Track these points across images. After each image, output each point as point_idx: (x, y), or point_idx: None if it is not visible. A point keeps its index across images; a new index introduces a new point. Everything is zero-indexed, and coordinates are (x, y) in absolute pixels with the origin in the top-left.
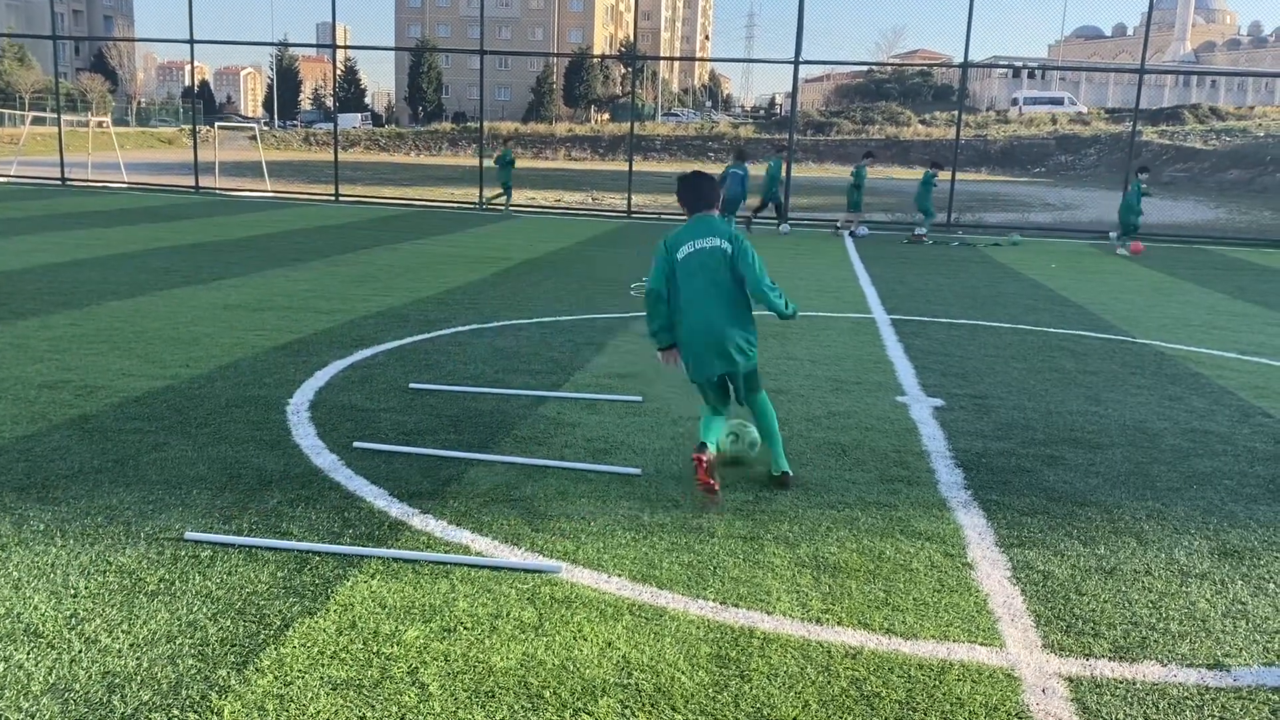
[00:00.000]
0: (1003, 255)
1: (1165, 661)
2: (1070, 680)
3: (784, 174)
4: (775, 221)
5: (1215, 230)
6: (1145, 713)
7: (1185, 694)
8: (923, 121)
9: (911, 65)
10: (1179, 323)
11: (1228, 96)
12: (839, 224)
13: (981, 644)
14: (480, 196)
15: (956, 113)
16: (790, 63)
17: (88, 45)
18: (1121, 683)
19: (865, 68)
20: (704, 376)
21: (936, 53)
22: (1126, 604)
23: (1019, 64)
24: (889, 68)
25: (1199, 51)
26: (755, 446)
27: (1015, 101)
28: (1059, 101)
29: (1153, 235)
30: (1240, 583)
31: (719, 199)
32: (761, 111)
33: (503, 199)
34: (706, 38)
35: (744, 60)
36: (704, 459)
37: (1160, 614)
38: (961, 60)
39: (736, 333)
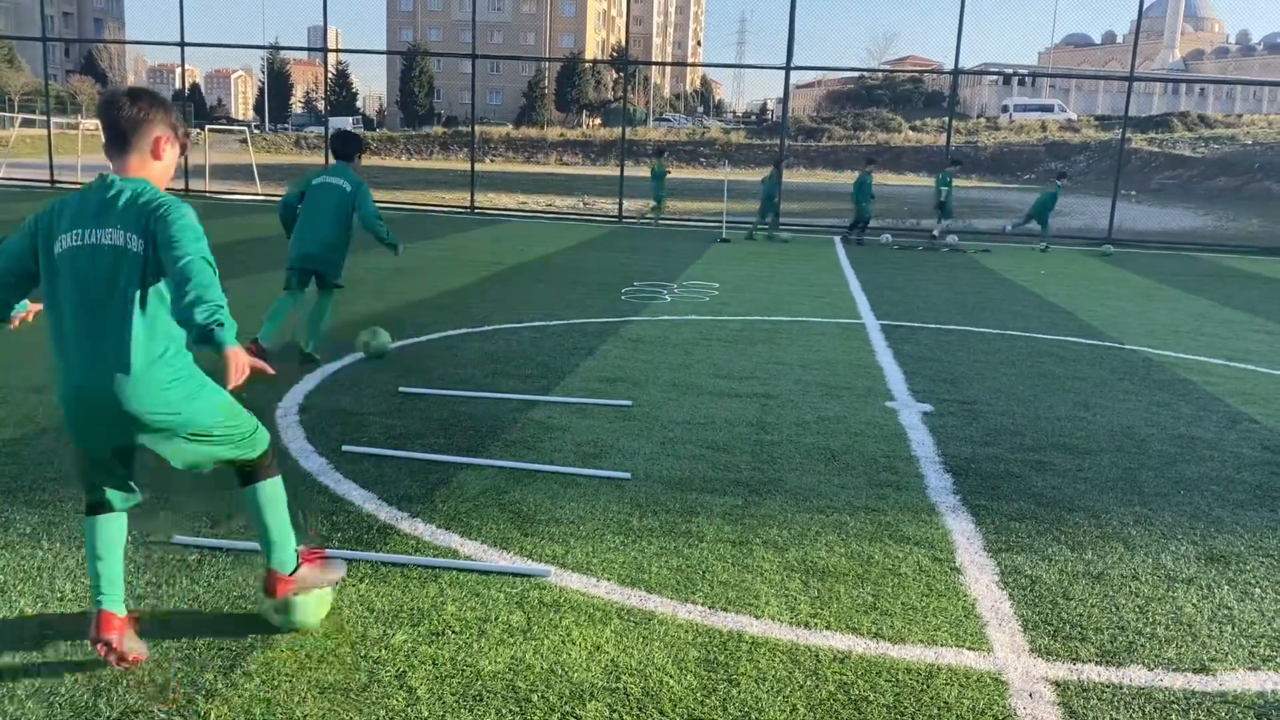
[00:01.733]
0: (991, 261)
1: (1152, 666)
2: (1057, 684)
3: (779, 180)
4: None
5: (1203, 237)
6: (1132, 717)
7: (1171, 698)
8: (914, 128)
9: (902, 72)
10: (1167, 329)
11: (1216, 104)
12: (935, 234)
13: (969, 648)
14: (472, 201)
15: (947, 119)
16: (782, 69)
17: (78, 47)
18: (1108, 687)
19: (856, 74)
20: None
21: (927, 59)
22: (1113, 609)
23: (1009, 71)
24: (880, 74)
25: (1188, 60)
26: None
27: (1006, 108)
28: (1049, 108)
29: (1142, 242)
30: (1226, 587)
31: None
32: (753, 117)
33: (653, 212)
34: (698, 43)
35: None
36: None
37: (1147, 619)
38: (952, 67)
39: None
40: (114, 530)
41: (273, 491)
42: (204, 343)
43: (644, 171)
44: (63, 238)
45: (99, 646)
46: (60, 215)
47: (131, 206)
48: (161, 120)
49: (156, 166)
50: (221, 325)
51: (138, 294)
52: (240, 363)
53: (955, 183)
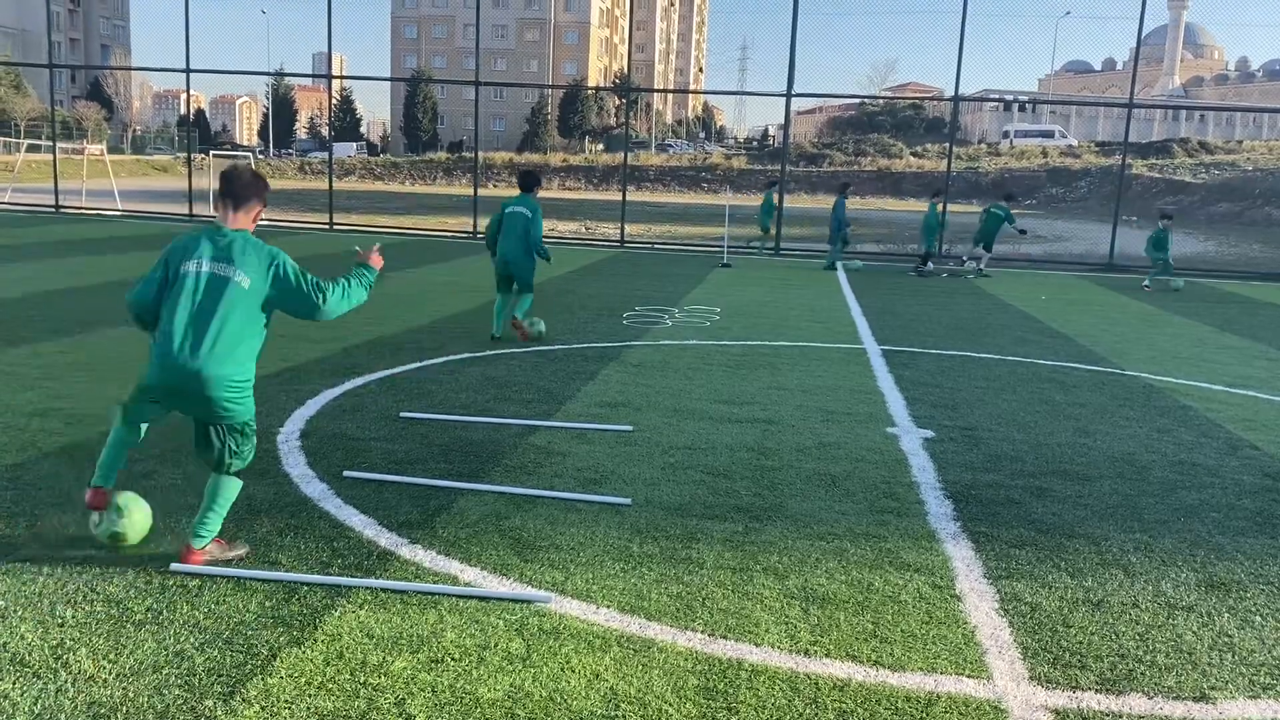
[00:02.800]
0: (992, 286)
1: (1152, 694)
2: (1057, 713)
3: (777, 203)
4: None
5: (1204, 263)
6: None
7: None
8: (914, 154)
9: (903, 98)
10: (1168, 355)
11: (1216, 131)
12: (967, 259)
13: (969, 676)
14: (475, 226)
15: (948, 145)
16: (783, 95)
17: (84, 73)
18: (1108, 715)
19: (857, 100)
20: None
21: (928, 86)
22: (1114, 636)
23: (1010, 97)
24: (881, 100)
25: (1187, 86)
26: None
27: (1006, 134)
28: (1049, 134)
29: (1143, 268)
30: (1227, 615)
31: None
32: (754, 143)
33: (759, 241)
34: (700, 70)
35: (737, 93)
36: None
37: (1147, 646)
38: (953, 93)
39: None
40: (129, 438)
41: (231, 490)
42: (368, 289)
43: (645, 196)
44: (186, 264)
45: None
46: (184, 247)
47: (244, 250)
48: (260, 195)
49: (248, 222)
50: (359, 275)
51: (235, 312)
52: (374, 257)
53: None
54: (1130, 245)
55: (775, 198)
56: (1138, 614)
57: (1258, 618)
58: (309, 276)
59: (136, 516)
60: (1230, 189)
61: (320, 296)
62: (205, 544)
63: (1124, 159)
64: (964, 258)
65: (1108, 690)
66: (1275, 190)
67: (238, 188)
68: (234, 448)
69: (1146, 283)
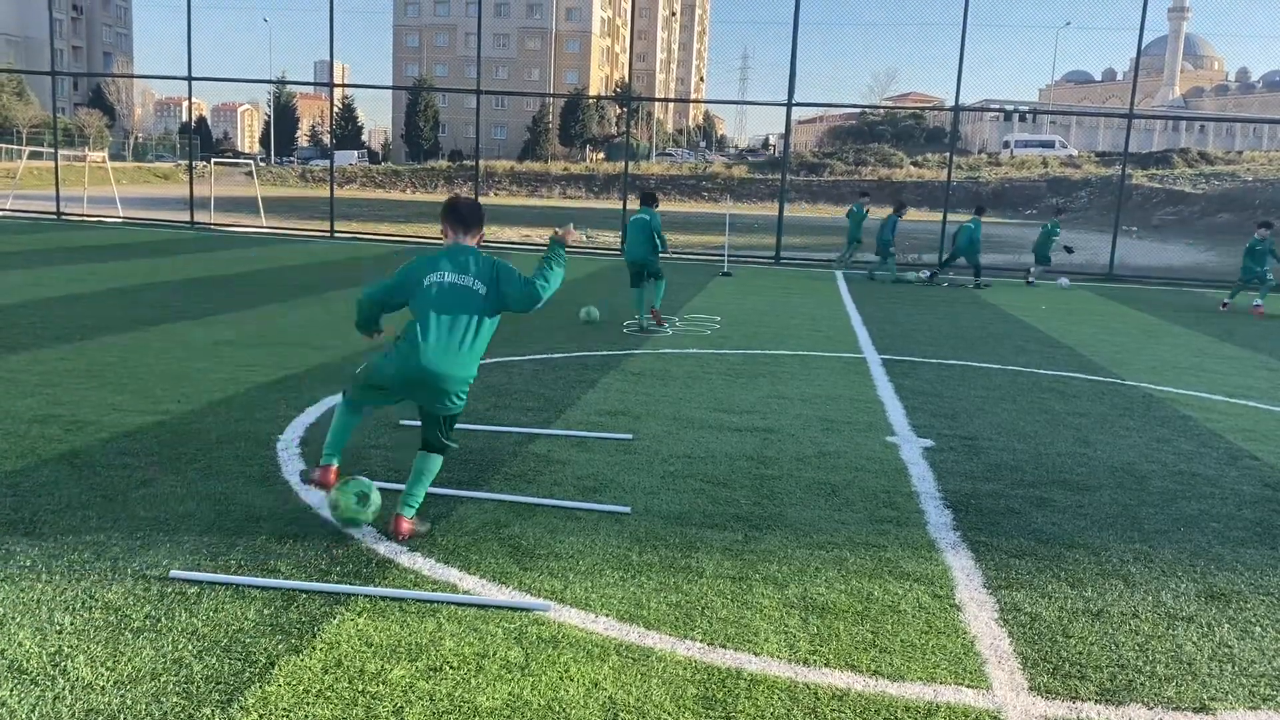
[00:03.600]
0: (992, 296)
1: (1151, 705)
2: None
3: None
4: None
5: (1204, 273)
6: None
7: None
8: (915, 163)
9: (904, 108)
10: (1168, 365)
11: (1216, 141)
12: (1031, 277)
13: (968, 686)
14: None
15: (948, 155)
16: (784, 105)
17: (86, 81)
18: None
19: (858, 110)
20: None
21: (928, 96)
22: (1113, 646)
23: (1010, 107)
24: (881, 110)
25: (1188, 97)
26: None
27: (1007, 144)
28: (1050, 144)
29: (1143, 277)
30: (1227, 626)
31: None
32: (755, 152)
33: (847, 252)
34: (701, 79)
35: (738, 102)
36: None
37: (1147, 657)
38: (953, 103)
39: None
40: (355, 420)
41: (438, 466)
42: (561, 269)
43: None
44: (430, 276)
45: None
46: (429, 262)
47: (476, 263)
48: (482, 221)
49: (474, 242)
50: (553, 257)
51: (475, 318)
52: (568, 235)
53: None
54: (1130, 255)
55: (865, 209)
56: (1137, 624)
57: (1258, 628)
58: (521, 274)
59: (377, 505)
60: (1230, 199)
61: (533, 287)
62: (413, 515)
63: (1124, 169)
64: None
65: (1107, 701)
66: (1275, 201)
67: (465, 215)
68: (447, 435)
69: (1227, 300)
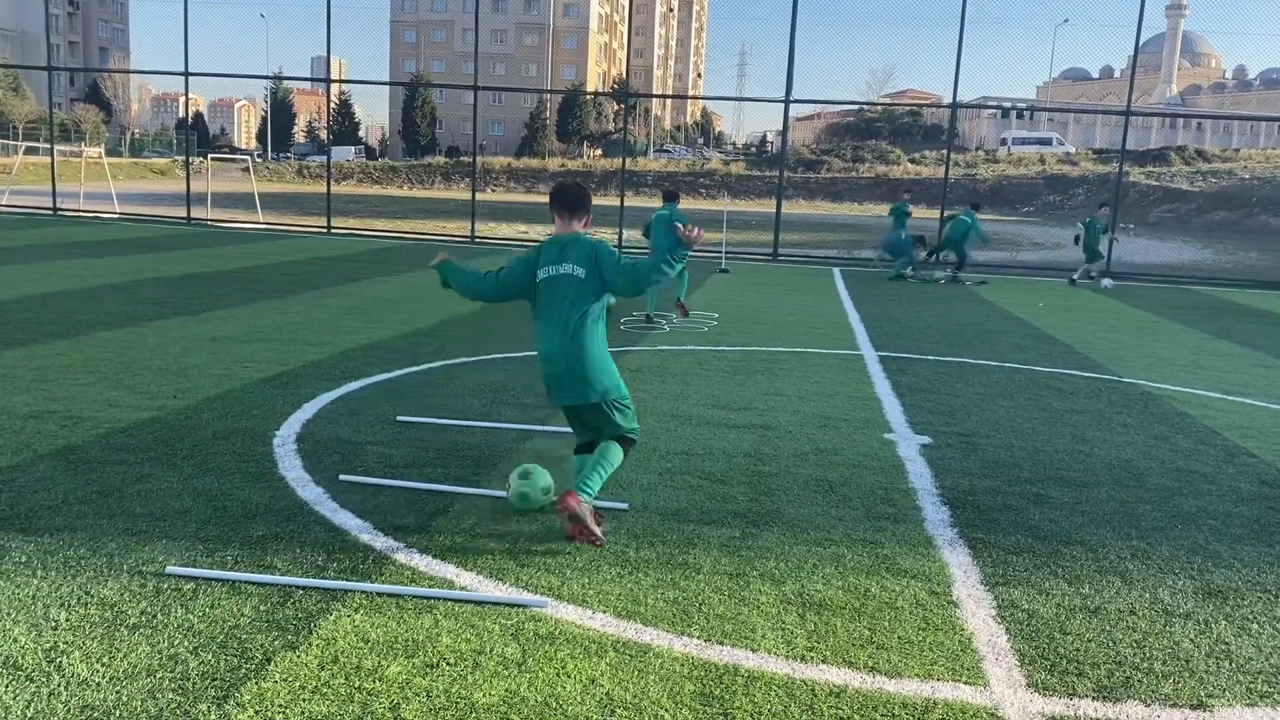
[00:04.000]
0: (990, 293)
1: (1149, 702)
2: None
3: (775, 212)
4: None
5: (1201, 271)
6: None
7: None
8: (912, 160)
9: (901, 105)
10: (1165, 362)
11: (1213, 139)
12: (1078, 277)
13: (966, 683)
14: (473, 230)
15: (946, 152)
16: (781, 101)
17: (83, 76)
18: None
19: (856, 107)
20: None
21: (926, 93)
22: (1111, 643)
23: (1007, 104)
24: (879, 107)
25: (1185, 94)
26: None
27: (1004, 141)
28: (1047, 142)
29: (1140, 275)
30: (1224, 623)
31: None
32: (753, 149)
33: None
34: (699, 76)
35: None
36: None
37: (1144, 654)
38: (951, 100)
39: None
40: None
41: (620, 455)
42: (678, 264)
43: (643, 201)
44: (537, 271)
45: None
46: (537, 254)
47: (575, 247)
48: (588, 206)
49: (580, 227)
50: (669, 251)
51: (581, 301)
52: (691, 234)
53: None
54: (1127, 253)
55: (909, 209)
56: (1135, 621)
57: (1255, 625)
58: (623, 260)
59: (549, 485)
60: (1227, 197)
61: (630, 263)
62: (588, 499)
63: (1121, 166)
64: (1076, 276)
65: (1105, 698)
66: (1272, 198)
67: (571, 200)
68: (622, 421)
69: None
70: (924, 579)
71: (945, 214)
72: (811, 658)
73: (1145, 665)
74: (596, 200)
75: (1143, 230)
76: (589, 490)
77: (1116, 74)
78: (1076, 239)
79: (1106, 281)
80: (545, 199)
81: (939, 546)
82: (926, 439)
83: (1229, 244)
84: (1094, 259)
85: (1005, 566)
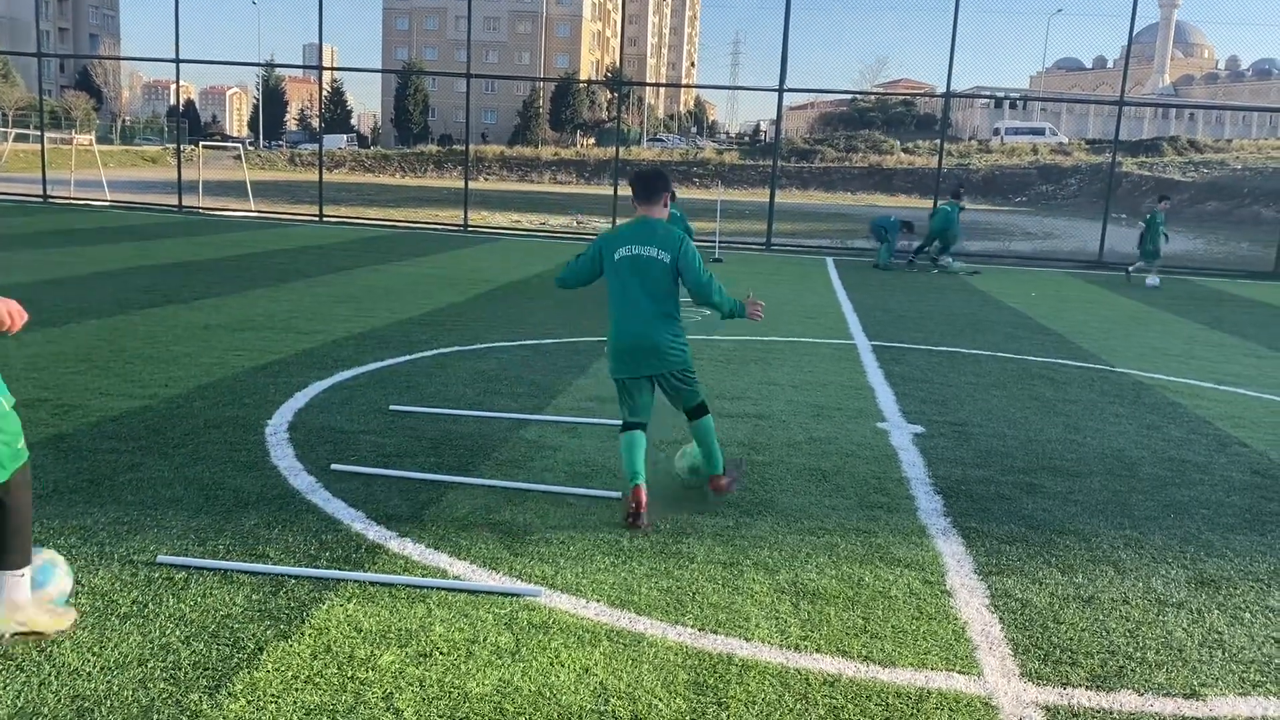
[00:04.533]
0: (982, 283)
1: (1142, 691)
2: (1047, 709)
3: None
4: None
5: (1193, 261)
6: None
7: None
8: (905, 150)
9: (895, 94)
10: (1157, 352)
11: (1206, 129)
12: (1132, 271)
13: (959, 672)
14: (465, 219)
15: (939, 142)
16: (775, 90)
17: (73, 63)
18: (1098, 712)
19: (849, 96)
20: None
21: (919, 82)
22: (1104, 633)
23: (1001, 94)
24: (873, 97)
25: (1177, 85)
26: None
27: (997, 131)
28: (1040, 132)
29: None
30: (1217, 612)
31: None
32: (746, 138)
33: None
34: (692, 65)
35: (729, 88)
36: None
37: (1137, 643)
38: (944, 90)
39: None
40: (639, 438)
41: (711, 423)
42: (730, 316)
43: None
44: (618, 250)
45: (630, 513)
46: (616, 237)
47: (663, 235)
48: (668, 186)
49: (663, 211)
50: (736, 304)
51: (660, 281)
52: (756, 310)
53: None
54: (1120, 243)
55: (961, 205)
56: (1128, 610)
57: (1247, 615)
58: (702, 264)
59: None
60: (1219, 187)
61: (706, 276)
62: (722, 469)
63: (1114, 157)
64: (1130, 270)
65: (1098, 687)
66: (1264, 189)
67: (648, 185)
68: (694, 387)
69: None
70: (917, 568)
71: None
72: (805, 647)
73: (1138, 654)
74: (589, 189)
75: (1135, 220)
76: (719, 463)
77: (1110, 64)
78: (1142, 238)
79: (1153, 279)
80: (539, 188)
81: (932, 536)
82: (920, 428)
83: (1221, 234)
84: (1154, 257)
85: (999, 556)
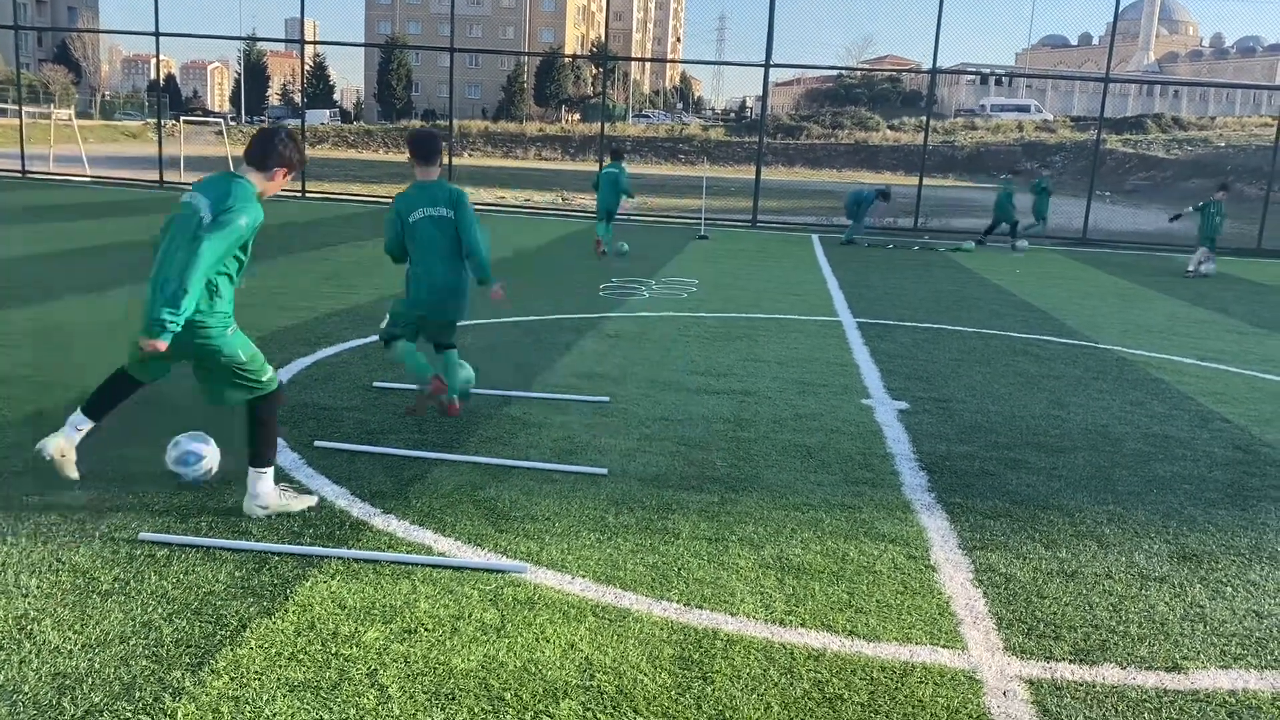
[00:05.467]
0: (967, 260)
1: (1125, 664)
2: (1031, 683)
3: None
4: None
5: (1176, 238)
6: (1104, 715)
7: (1144, 697)
8: (891, 126)
9: (880, 71)
10: (1140, 329)
11: (1190, 106)
12: (1193, 268)
13: (944, 646)
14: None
15: (925, 118)
16: (761, 66)
17: (51, 36)
18: (1081, 685)
19: (835, 72)
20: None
21: (905, 59)
22: (1087, 607)
23: (986, 71)
24: (858, 73)
25: (1162, 62)
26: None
27: (983, 108)
28: (1025, 109)
29: (1116, 242)
30: (1199, 586)
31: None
32: (732, 114)
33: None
34: (678, 40)
35: (715, 63)
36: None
37: (1120, 617)
38: (930, 66)
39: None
40: (413, 346)
41: (455, 355)
42: (481, 283)
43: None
44: (413, 214)
45: (436, 397)
46: (407, 202)
47: (441, 191)
48: (440, 149)
49: (438, 171)
50: (490, 275)
51: (449, 239)
52: (499, 295)
53: (922, 183)
54: (1104, 220)
55: (1014, 184)
56: (1111, 585)
57: (1229, 589)
58: (477, 221)
59: None
60: (1203, 165)
61: (481, 234)
62: (456, 396)
63: (1099, 134)
64: (1190, 267)
65: (1081, 660)
66: (1246, 166)
67: (426, 147)
68: (454, 331)
69: None
70: (902, 543)
71: (923, 186)
72: (790, 621)
73: (1121, 628)
74: (574, 165)
75: (1119, 198)
76: (457, 390)
77: (1095, 41)
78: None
79: (1208, 266)
80: (524, 164)
81: (917, 511)
82: (904, 404)
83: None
84: (1211, 244)
85: (983, 531)
